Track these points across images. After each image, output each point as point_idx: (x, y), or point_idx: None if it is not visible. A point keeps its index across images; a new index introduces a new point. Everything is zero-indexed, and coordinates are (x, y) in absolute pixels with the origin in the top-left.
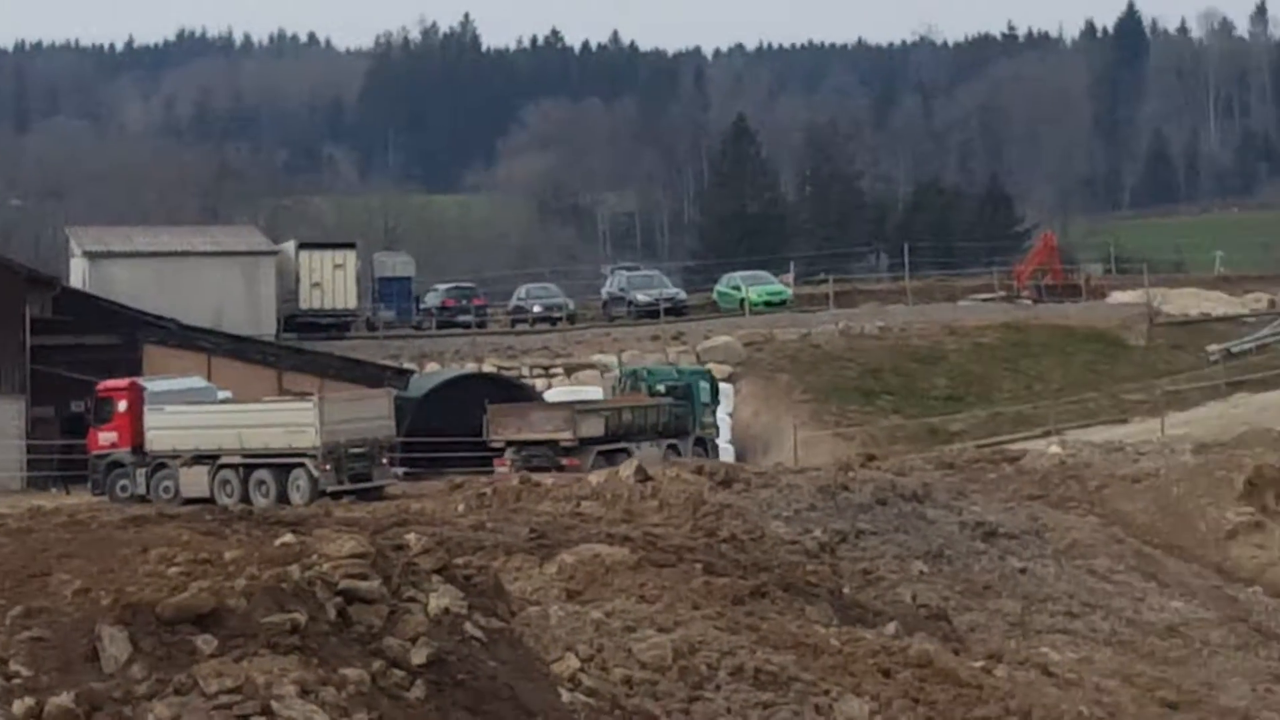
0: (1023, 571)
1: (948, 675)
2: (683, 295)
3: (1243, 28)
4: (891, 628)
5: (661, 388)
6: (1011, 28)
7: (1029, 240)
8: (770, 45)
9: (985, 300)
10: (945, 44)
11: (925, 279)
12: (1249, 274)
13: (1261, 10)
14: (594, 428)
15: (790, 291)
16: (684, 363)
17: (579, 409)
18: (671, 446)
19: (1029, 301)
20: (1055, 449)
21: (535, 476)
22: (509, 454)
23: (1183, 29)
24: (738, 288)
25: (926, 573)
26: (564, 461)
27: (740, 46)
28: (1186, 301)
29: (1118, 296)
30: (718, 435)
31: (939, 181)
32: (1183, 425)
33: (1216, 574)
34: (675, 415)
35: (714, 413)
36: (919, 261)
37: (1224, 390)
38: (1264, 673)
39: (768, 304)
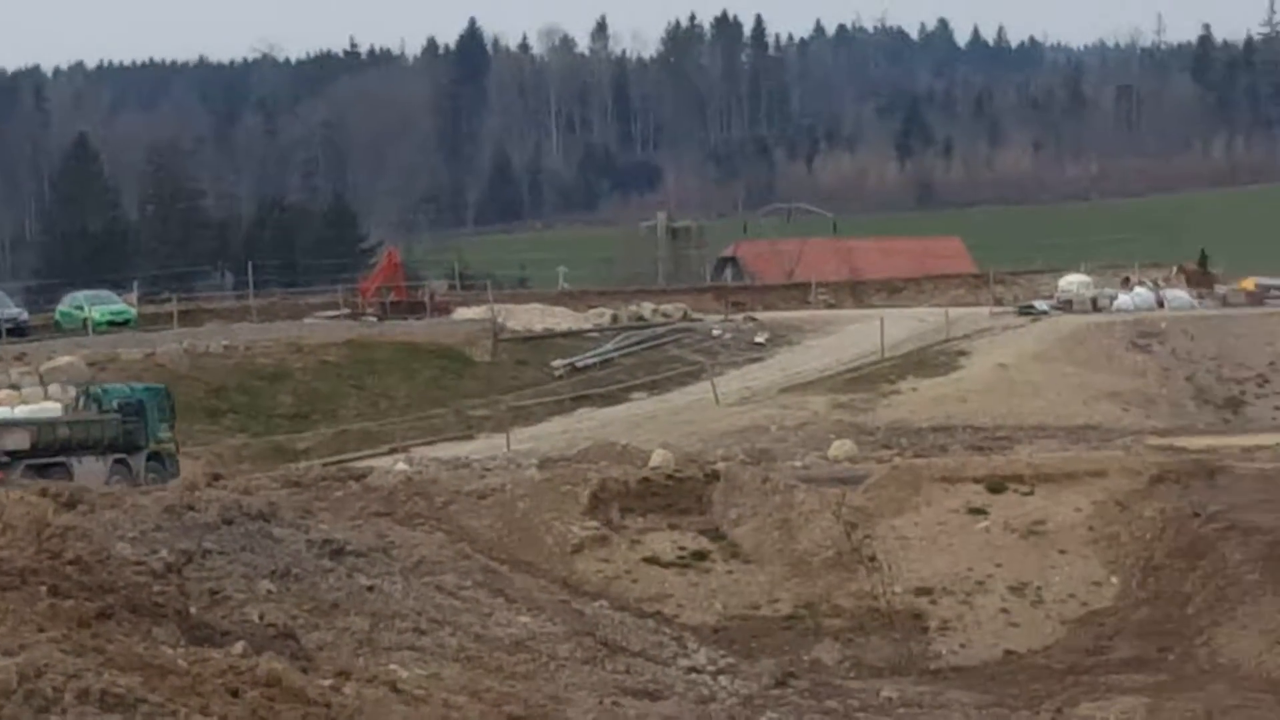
0: (370, 589)
1: (296, 694)
2: (25, 315)
3: (583, 44)
4: (239, 647)
5: (114, 404)
6: (354, 45)
7: (374, 257)
8: (110, 63)
9: (331, 318)
10: (288, 61)
11: (270, 297)
12: (592, 289)
13: (602, 27)
14: (18, 441)
15: (134, 311)
16: (29, 381)
17: None
18: (120, 461)
19: (374, 319)
20: (402, 466)
21: None
22: None
23: (524, 45)
24: (80, 307)
25: (274, 591)
26: None
27: (80, 64)
28: (531, 317)
29: (463, 313)
30: (177, 450)
31: (283, 199)
32: (528, 440)
33: (563, 588)
34: (126, 431)
35: (170, 428)
36: (263, 279)
37: (569, 405)
38: (610, 685)
39: (111, 323)
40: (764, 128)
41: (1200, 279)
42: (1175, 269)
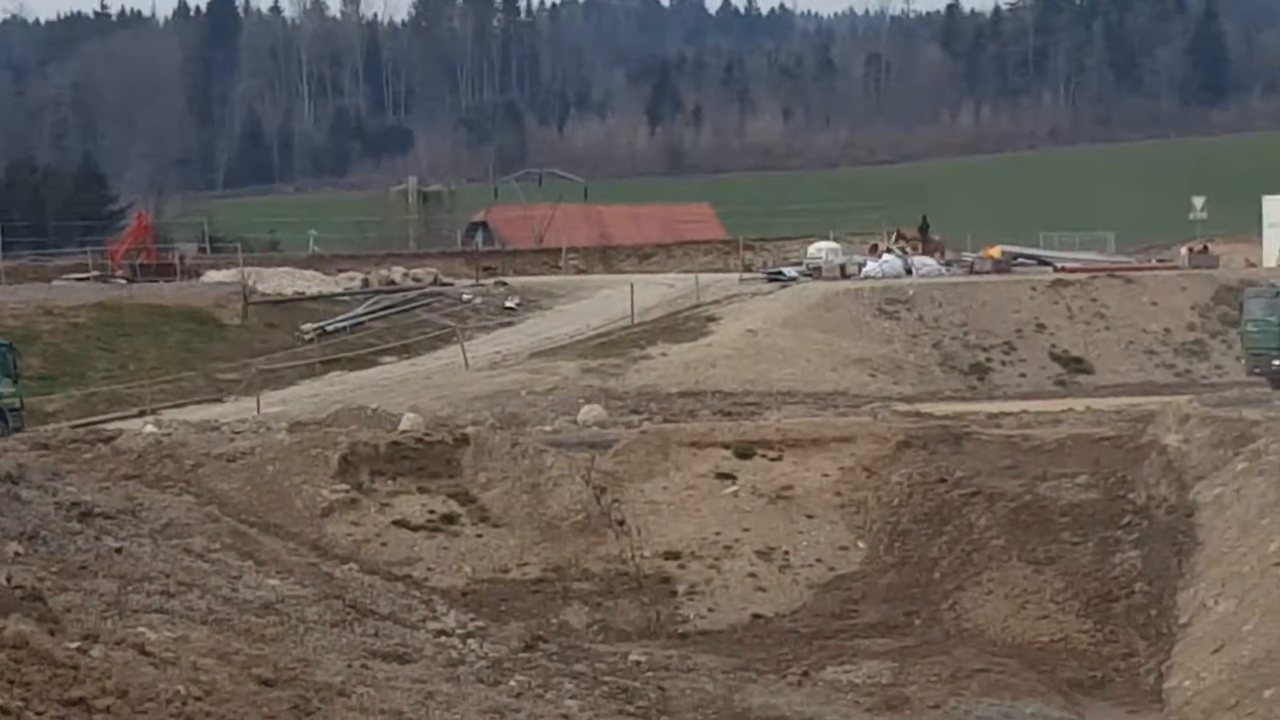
0: (119, 551)
1: (43, 656)
2: None
3: (335, 8)
4: None
5: None
6: (104, 6)
7: (124, 220)
8: None
9: (80, 280)
10: (37, 22)
11: (19, 259)
12: (343, 253)
13: None
14: None
15: None
16: None
17: None
18: None
19: (124, 281)
20: (151, 428)
21: None
22: None
23: (276, 9)
24: None
25: (22, 554)
26: None
27: None
28: (281, 281)
29: (213, 276)
30: (20, 406)
31: (32, 160)
32: (278, 403)
33: (312, 551)
34: None
35: (14, 384)
36: (12, 242)
37: (319, 369)
38: (359, 648)
39: None
40: (515, 93)
41: (922, 245)
42: (894, 234)
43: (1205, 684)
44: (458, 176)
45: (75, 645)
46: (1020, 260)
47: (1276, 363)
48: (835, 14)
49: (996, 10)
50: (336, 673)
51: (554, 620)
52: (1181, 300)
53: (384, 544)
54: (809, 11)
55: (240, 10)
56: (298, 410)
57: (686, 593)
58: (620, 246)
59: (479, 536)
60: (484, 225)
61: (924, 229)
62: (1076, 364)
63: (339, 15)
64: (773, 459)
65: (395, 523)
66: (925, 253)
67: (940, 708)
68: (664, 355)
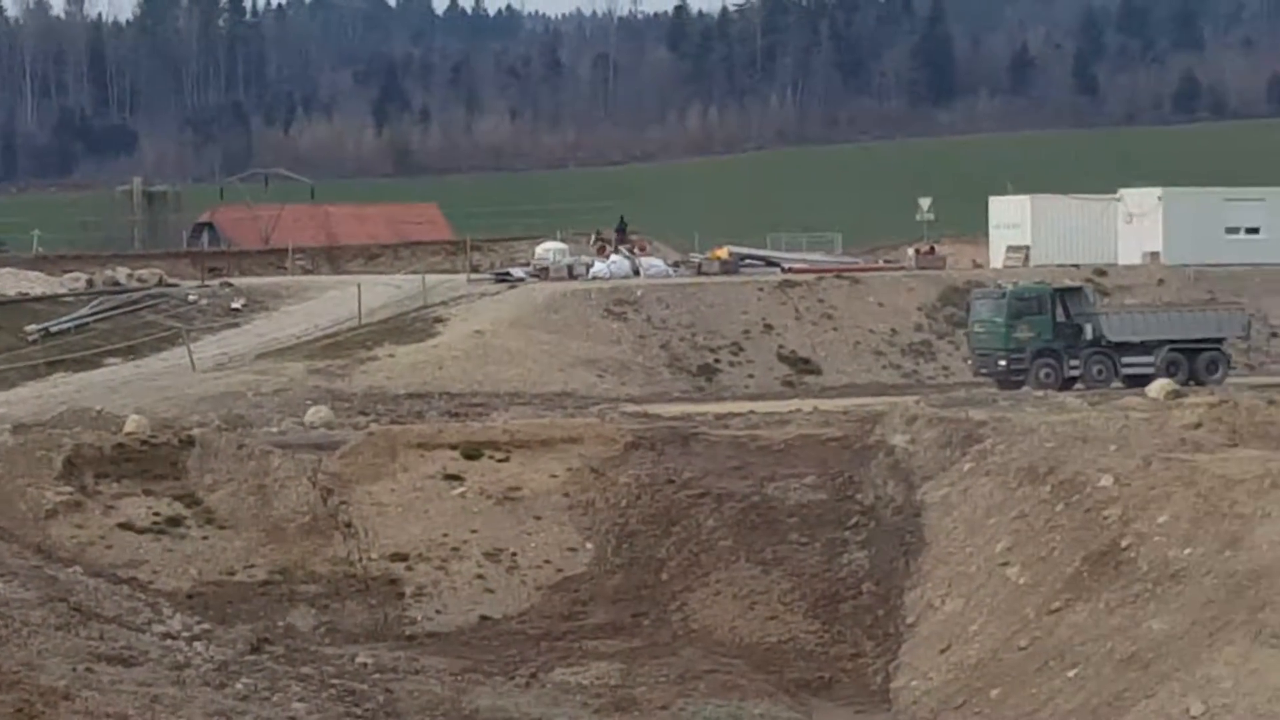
0: None
1: None
2: None
3: (59, 7)
4: None
5: None
6: None
7: None
8: None
9: None
10: None
11: None
12: (68, 253)
13: None
14: None
15: None
16: None
17: None
18: None
19: None
20: None
21: None
22: None
23: None
24: None
25: None
26: None
27: None
28: (4, 281)
29: None
30: None
31: None
32: (1, 405)
33: (36, 554)
34: None
35: None
36: None
37: (43, 370)
38: (84, 652)
39: None
40: (241, 93)
41: (615, 245)
42: (594, 235)
43: (932, 684)
44: (183, 177)
45: None
46: (748, 261)
47: (1003, 364)
48: (563, 15)
49: (724, 11)
50: (60, 676)
51: (281, 622)
52: (908, 301)
53: (109, 546)
54: (536, 12)
55: None
56: (21, 412)
57: (414, 594)
58: (347, 247)
59: (205, 539)
60: (210, 226)
61: (621, 229)
62: (804, 365)
63: (63, 14)
64: (500, 460)
65: (120, 525)
66: (621, 252)
67: (668, 708)
68: (391, 356)
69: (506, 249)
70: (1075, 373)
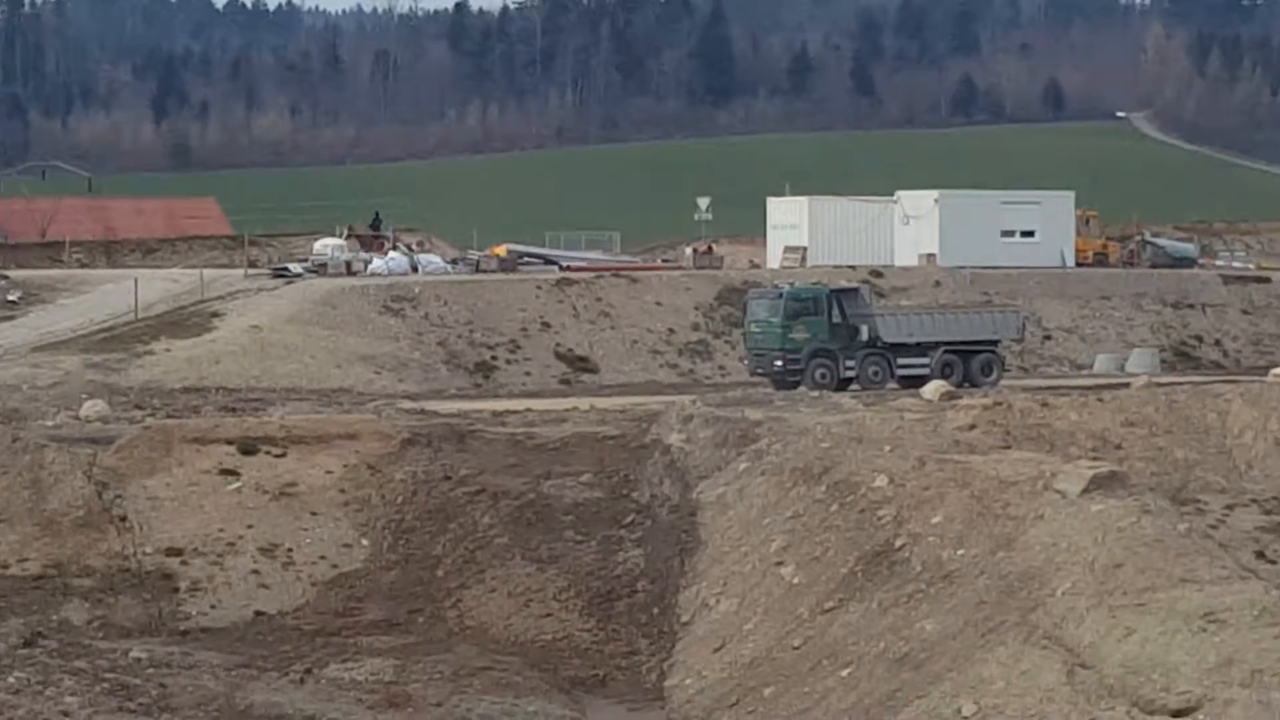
0: None
1: None
2: None
3: None
4: None
5: None
6: None
7: None
8: None
9: None
10: None
11: None
12: None
13: None
14: None
15: None
16: None
17: None
18: None
19: None
20: None
21: None
22: None
23: None
24: None
25: None
26: None
27: None
28: None
29: None
30: None
31: None
32: None
33: None
34: None
35: None
36: None
37: None
38: None
39: None
40: (19, 86)
41: (369, 242)
42: (346, 230)
43: (707, 682)
44: None
45: None
46: (526, 259)
47: (779, 364)
48: (343, 11)
49: (504, 10)
50: None
51: (54, 617)
52: (686, 300)
53: None
54: (316, 8)
55: None
56: None
57: (189, 589)
58: (124, 241)
59: None
60: None
61: (375, 225)
62: (581, 363)
63: None
64: (277, 456)
65: None
66: (373, 249)
67: (443, 705)
68: (168, 351)
69: (285, 244)
70: (851, 373)
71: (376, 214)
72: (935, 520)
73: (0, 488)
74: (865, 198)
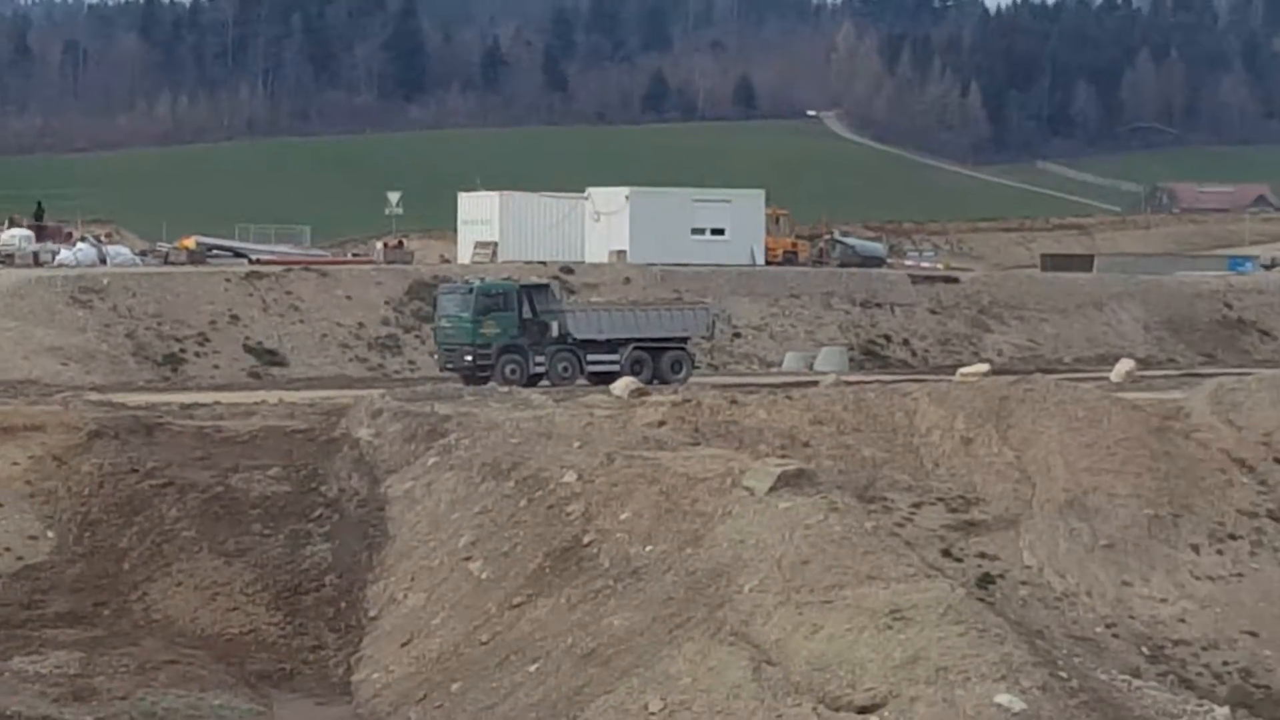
0: None
1: None
2: None
3: None
4: None
5: None
6: None
7: None
8: None
9: None
10: None
11: None
12: None
13: None
14: None
15: None
16: None
17: None
18: None
19: None
20: None
21: None
22: None
23: None
24: None
25: None
26: None
27: None
28: None
29: None
30: None
31: None
32: None
33: None
34: None
35: None
36: None
37: None
38: None
39: None
40: None
41: (55, 232)
42: (7, 222)
43: (394, 677)
44: None
45: None
46: (216, 252)
47: (469, 359)
48: (33, 1)
49: (195, 1)
50: None
51: None
52: (376, 295)
53: None
54: None
55: None
56: None
57: None
58: None
59: None
60: None
61: (39, 215)
62: (271, 356)
63: None
64: None
65: None
66: (59, 240)
67: (128, 699)
68: None
69: None
70: (541, 369)
71: (39, 204)
72: (624, 517)
73: None
74: (556, 194)
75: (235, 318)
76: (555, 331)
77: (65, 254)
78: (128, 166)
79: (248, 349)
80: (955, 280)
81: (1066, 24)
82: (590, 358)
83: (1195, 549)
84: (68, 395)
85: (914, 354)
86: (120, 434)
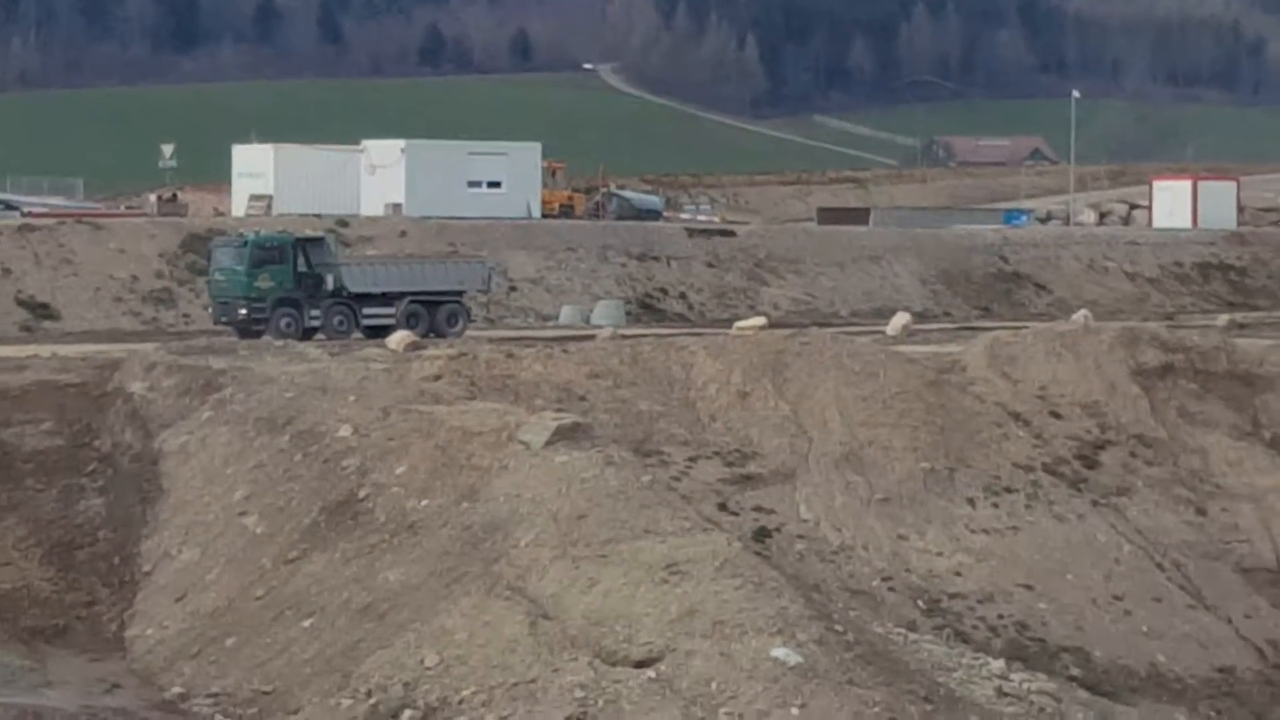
0: None
1: None
2: None
3: None
4: None
5: None
6: None
7: None
8: None
9: None
10: None
11: None
12: None
13: None
14: None
15: None
16: None
17: None
18: None
19: None
20: None
21: None
22: None
23: None
24: None
25: None
26: None
27: None
28: None
29: None
30: None
31: None
32: None
33: None
34: None
35: None
36: None
37: None
38: None
39: None
40: None
41: None
42: None
43: (168, 632)
44: None
45: None
46: None
47: (243, 312)
48: None
49: None
50: None
51: None
52: (150, 248)
53: None
54: None
55: None
56: None
57: None
58: None
59: None
60: None
61: None
62: (43, 310)
63: None
64: None
65: None
66: None
67: None
68: None
69: None
70: (316, 323)
71: None
72: (399, 471)
73: None
74: (331, 147)
75: (7, 271)
76: (330, 285)
77: None
78: None
79: (19, 302)
80: (731, 233)
81: None
82: (366, 311)
83: (971, 502)
84: None
85: (690, 307)
86: None
